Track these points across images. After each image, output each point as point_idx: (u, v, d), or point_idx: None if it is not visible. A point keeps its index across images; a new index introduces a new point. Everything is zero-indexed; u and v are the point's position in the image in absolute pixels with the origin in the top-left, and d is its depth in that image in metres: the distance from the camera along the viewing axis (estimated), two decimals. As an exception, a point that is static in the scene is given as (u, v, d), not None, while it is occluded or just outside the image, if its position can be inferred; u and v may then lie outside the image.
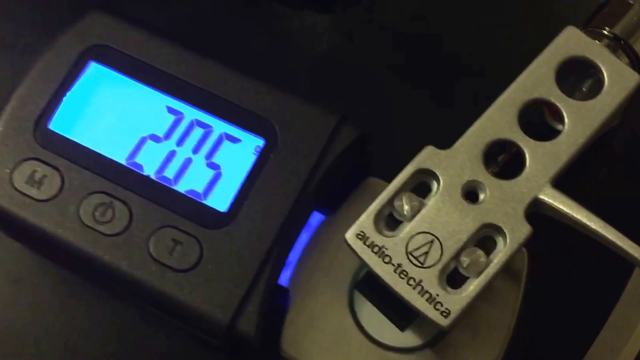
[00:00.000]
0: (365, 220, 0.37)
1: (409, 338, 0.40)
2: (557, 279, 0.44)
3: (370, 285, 0.40)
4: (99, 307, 0.44)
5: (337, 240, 0.39)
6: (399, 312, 0.39)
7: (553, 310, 0.43)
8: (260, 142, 0.40)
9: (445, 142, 0.38)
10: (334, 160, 0.40)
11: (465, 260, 0.36)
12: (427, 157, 0.37)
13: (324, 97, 0.43)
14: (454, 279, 0.37)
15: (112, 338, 0.44)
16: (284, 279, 0.41)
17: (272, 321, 0.40)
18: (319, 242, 0.41)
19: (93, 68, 0.41)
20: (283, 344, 0.40)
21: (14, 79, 0.42)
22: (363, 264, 0.37)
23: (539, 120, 0.41)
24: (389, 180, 0.38)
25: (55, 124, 0.41)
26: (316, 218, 0.42)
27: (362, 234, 0.37)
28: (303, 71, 0.49)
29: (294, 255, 0.41)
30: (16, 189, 0.39)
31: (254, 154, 0.40)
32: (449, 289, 0.36)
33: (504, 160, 0.39)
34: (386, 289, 0.37)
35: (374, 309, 0.40)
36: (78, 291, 0.44)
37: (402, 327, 0.40)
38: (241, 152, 0.40)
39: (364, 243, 0.37)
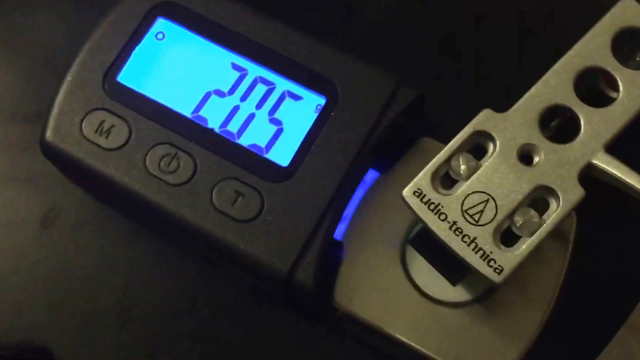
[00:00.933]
0: (422, 178, 0.38)
1: (458, 293, 0.42)
2: (604, 242, 0.45)
3: (423, 241, 0.41)
4: (160, 254, 0.46)
5: (391, 197, 0.41)
6: (451, 267, 0.41)
7: (598, 272, 0.45)
8: (321, 100, 0.42)
9: (499, 105, 0.40)
10: (392, 120, 0.41)
11: (518, 219, 0.38)
12: (484, 119, 0.39)
13: (384, 57, 0.44)
14: (507, 238, 0.38)
15: (172, 286, 0.46)
16: (339, 232, 0.42)
17: (326, 273, 0.41)
18: (374, 198, 0.43)
19: (161, 24, 0.43)
20: (336, 295, 0.42)
21: (83, 31, 0.44)
22: (419, 220, 0.38)
23: (594, 88, 0.42)
24: (443, 140, 0.40)
25: (124, 77, 0.42)
26: (371, 175, 0.43)
27: (419, 191, 0.38)
28: (363, 32, 0.50)
29: (348, 210, 0.42)
30: (85, 138, 0.41)
31: (315, 111, 0.41)
32: (502, 247, 0.38)
33: (557, 125, 0.41)
34: (439, 245, 0.38)
35: (425, 264, 0.42)
36: (140, 238, 0.47)
37: (454, 282, 0.41)
38: (303, 110, 0.42)
39: (421, 200, 0.38)
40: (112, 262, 0.47)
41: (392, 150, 0.43)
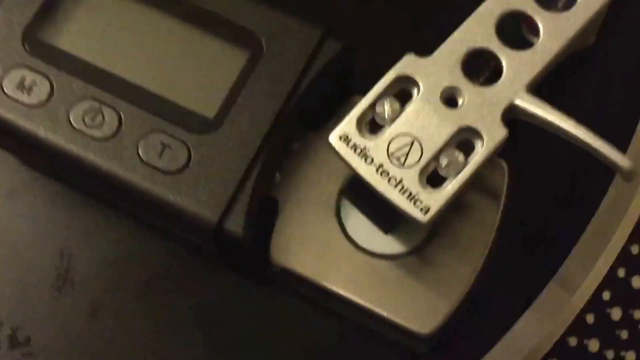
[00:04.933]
0: (347, 123, 0.41)
1: (394, 245, 0.45)
2: (535, 195, 0.48)
3: (355, 191, 0.44)
4: (95, 217, 0.49)
5: (324, 153, 0.44)
6: (383, 215, 0.44)
7: (529, 226, 0.48)
8: (246, 53, 0.44)
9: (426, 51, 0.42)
10: (318, 72, 0.44)
11: (444, 161, 0.40)
12: (407, 63, 0.42)
13: (309, 11, 0.46)
14: (434, 180, 0.41)
15: (109, 247, 0.48)
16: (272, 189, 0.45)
17: (262, 229, 0.44)
18: (307, 155, 0.46)
19: (81, -21, 0.45)
20: (272, 252, 0.44)
21: None
22: (346, 165, 0.41)
23: (516, 34, 0.45)
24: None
25: (44, 33, 0.44)
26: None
27: (345, 136, 0.41)
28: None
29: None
30: (6, 95, 0.43)
31: (240, 64, 0.44)
32: (428, 187, 0.40)
33: (486, 73, 0.43)
34: (369, 193, 0.41)
35: (360, 218, 0.45)
36: (72, 201, 0.49)
37: (385, 230, 0.44)
38: (228, 62, 0.44)
39: (347, 145, 0.41)
40: (46, 227, 0.49)
41: (324, 106, 0.46)
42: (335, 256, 0.45)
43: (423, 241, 0.45)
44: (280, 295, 0.47)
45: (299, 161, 0.46)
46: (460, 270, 0.44)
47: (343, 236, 0.45)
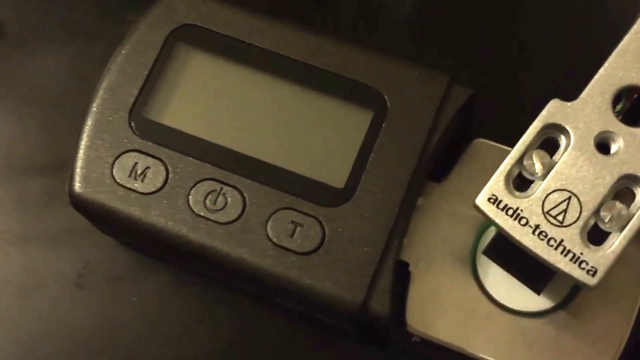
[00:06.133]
0: (495, 183, 0.38)
1: (539, 301, 0.41)
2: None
3: (500, 250, 0.41)
4: (205, 302, 0.46)
5: (452, 207, 0.41)
6: (534, 275, 0.40)
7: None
8: (370, 112, 0.41)
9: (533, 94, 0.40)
10: (448, 123, 0.40)
11: (606, 214, 0.37)
12: (554, 110, 0.38)
13: (420, 58, 0.44)
14: (594, 236, 0.37)
15: (221, 335, 0.46)
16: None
17: (397, 299, 0.41)
18: (432, 210, 0.42)
19: (182, 50, 0.42)
20: (409, 320, 0.41)
21: (87, 69, 0.45)
22: (498, 228, 0.37)
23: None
24: (494, 140, 0.40)
25: (151, 112, 0.41)
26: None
27: (494, 197, 0.37)
28: (393, 35, 0.50)
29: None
30: (119, 184, 0.40)
31: (365, 126, 0.41)
32: (592, 246, 0.37)
33: (623, 107, 0.40)
34: (518, 253, 0.38)
35: (500, 274, 0.41)
36: (181, 287, 0.46)
37: (538, 291, 0.40)
38: (351, 125, 0.41)
39: (497, 207, 0.37)
40: (156, 315, 0.46)
41: (447, 156, 0.43)
42: (478, 319, 0.41)
43: (569, 293, 0.41)
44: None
45: (423, 217, 0.42)
46: (614, 321, 0.41)
47: (483, 296, 0.42)
